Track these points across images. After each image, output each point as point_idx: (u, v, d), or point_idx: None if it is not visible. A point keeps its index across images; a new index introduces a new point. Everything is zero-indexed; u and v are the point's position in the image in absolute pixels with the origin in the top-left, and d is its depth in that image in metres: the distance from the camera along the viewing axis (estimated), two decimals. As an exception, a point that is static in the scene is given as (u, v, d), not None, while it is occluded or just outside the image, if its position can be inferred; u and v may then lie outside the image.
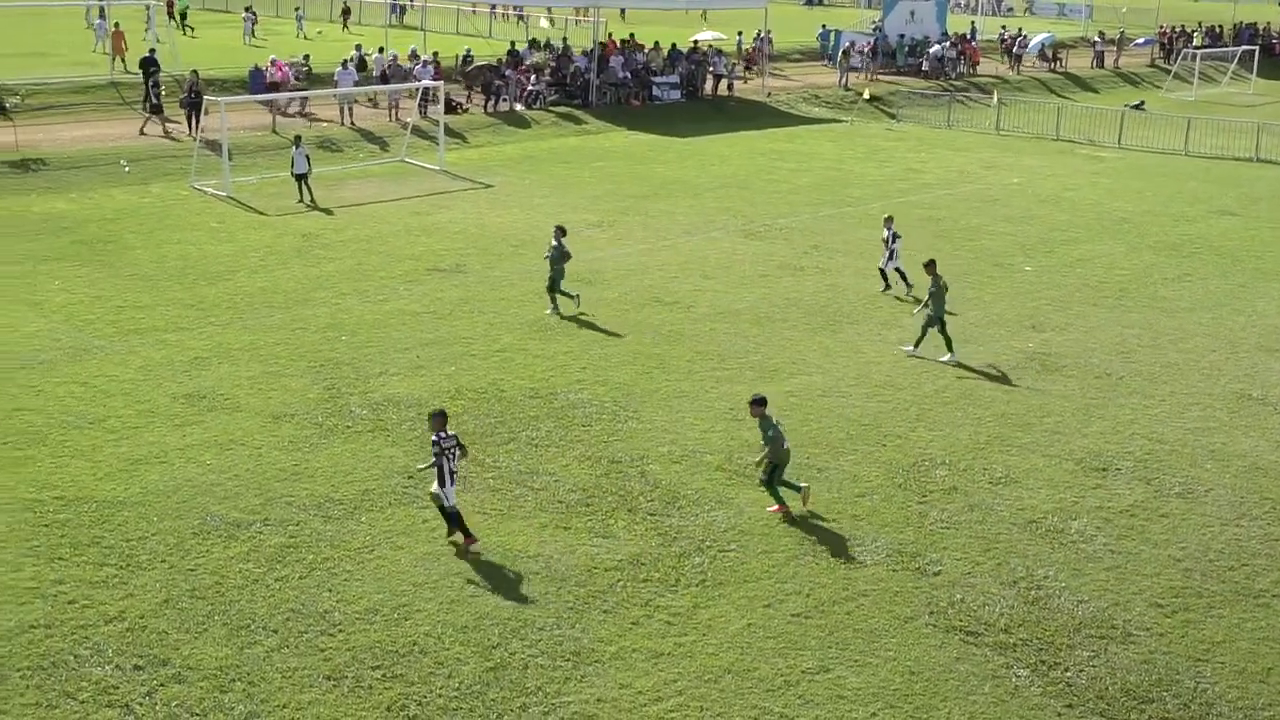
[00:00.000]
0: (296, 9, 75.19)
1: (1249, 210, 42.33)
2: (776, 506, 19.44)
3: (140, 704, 14.39)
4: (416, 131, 47.60)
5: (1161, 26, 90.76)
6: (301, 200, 37.61)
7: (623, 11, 60.74)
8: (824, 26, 78.96)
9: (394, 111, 51.08)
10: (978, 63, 74.62)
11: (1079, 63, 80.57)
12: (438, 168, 43.74)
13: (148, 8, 53.78)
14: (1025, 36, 79.59)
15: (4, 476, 19.61)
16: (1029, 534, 19.10)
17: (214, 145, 41.23)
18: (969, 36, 77.48)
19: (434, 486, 18.03)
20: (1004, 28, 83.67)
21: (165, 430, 21.47)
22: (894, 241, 30.46)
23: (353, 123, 49.06)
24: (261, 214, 36.46)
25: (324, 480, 19.88)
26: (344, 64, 51.39)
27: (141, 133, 44.49)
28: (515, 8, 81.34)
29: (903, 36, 73.50)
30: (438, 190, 40.72)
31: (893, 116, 61.30)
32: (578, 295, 28.41)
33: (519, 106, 54.47)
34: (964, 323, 28.55)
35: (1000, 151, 52.72)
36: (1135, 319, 29.48)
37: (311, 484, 19.76)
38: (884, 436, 22.38)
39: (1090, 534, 19.14)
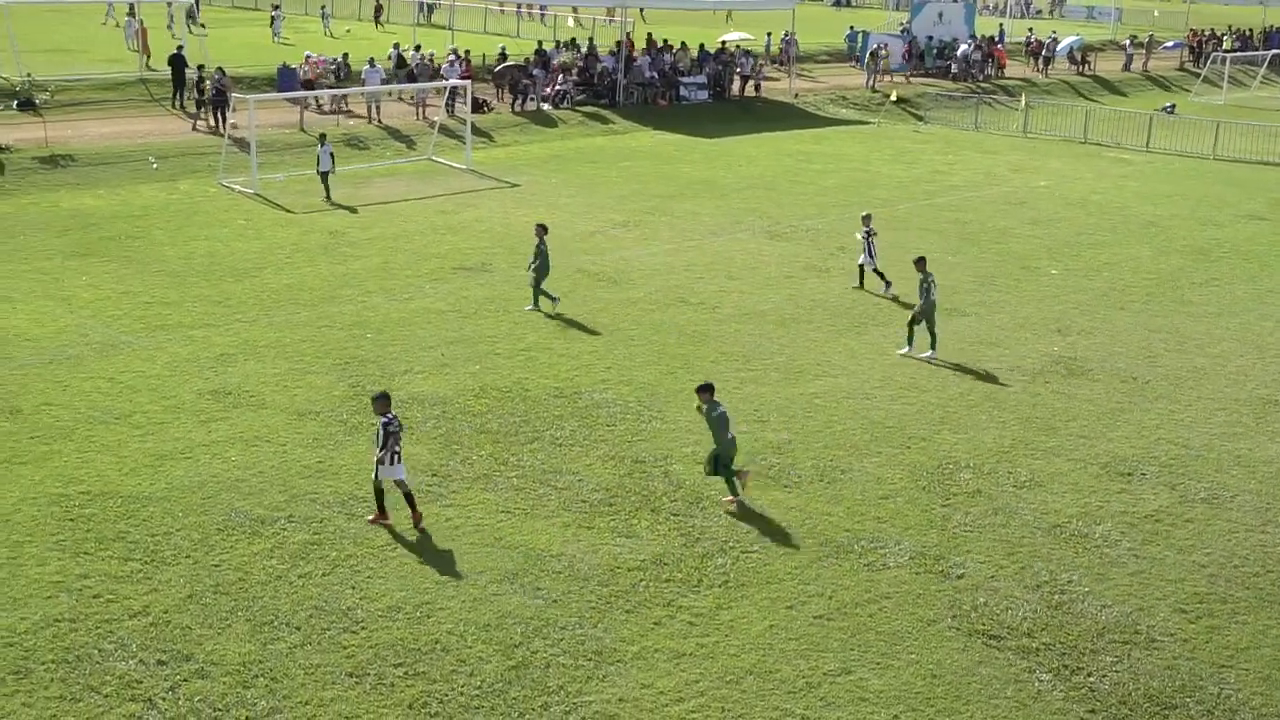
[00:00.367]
0: (322, 7, 75.42)
1: (1277, 215, 42.09)
2: (730, 498, 19.59)
3: (163, 699, 14.45)
4: (444, 130, 47.70)
5: (1191, 30, 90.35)
6: (327, 198, 37.68)
7: (641, 11, 60.83)
8: (851, 28, 78.83)
9: (421, 110, 51.18)
10: (1004, 65, 74.37)
11: (1107, 66, 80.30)
12: (465, 166, 43.81)
13: (169, 4, 54.14)
14: (1055, 38, 79.33)
15: (31, 471, 19.72)
16: (1053, 538, 19.03)
17: (242, 142, 41.41)
18: (996, 39, 77.24)
19: (378, 472, 18.30)
20: (1030, 30, 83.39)
21: (191, 426, 21.55)
22: (871, 239, 30.39)
23: (380, 121, 49.22)
24: (289, 211, 36.57)
25: (348, 477, 19.92)
26: (370, 62, 51.52)
27: (194, 129, 44.85)
28: (540, 7, 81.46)
29: (931, 38, 73.31)
30: (464, 189, 40.78)
31: (920, 118, 61.16)
32: (556, 299, 28.34)
33: (546, 106, 54.53)
34: (990, 326, 28.49)
35: (1028, 154, 52.56)
36: (1162, 323, 29.35)
37: (336, 481, 19.82)
38: (908, 439, 22.34)
39: (1115, 539, 19.07)
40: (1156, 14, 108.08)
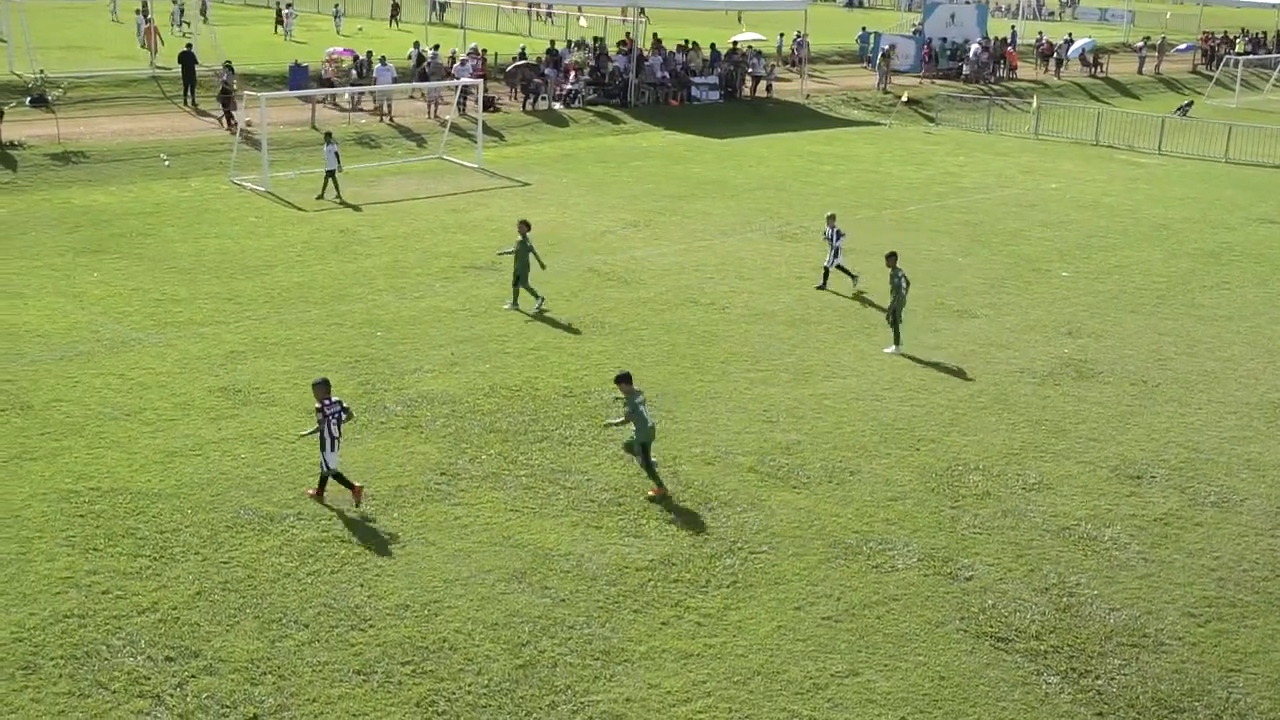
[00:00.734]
0: (336, 5, 75.57)
1: (1290, 218, 42.06)
2: (655, 489, 19.81)
3: (171, 695, 14.47)
4: (455, 129, 47.72)
5: (1205, 33, 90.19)
6: (338, 196, 37.73)
7: (641, 10, 60.95)
8: (864, 29, 78.79)
9: (433, 108, 51.23)
10: (1016, 67, 74.29)
11: (1119, 68, 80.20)
12: (476, 165, 43.85)
13: (175, 1, 54.35)
14: (1069, 40, 79.22)
15: (41, 467, 19.76)
16: (1062, 541, 19.01)
17: (254, 140, 41.46)
18: (1009, 41, 77.14)
19: (326, 456, 18.76)
20: (1041, 33, 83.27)
21: (201, 423, 21.59)
22: (837, 239, 30.42)
23: (391, 119, 49.28)
24: (300, 209, 36.62)
25: (357, 475, 19.92)
26: (382, 60, 51.62)
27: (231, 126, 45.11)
28: (548, 6, 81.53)
29: (945, 40, 73.24)
30: (475, 188, 40.81)
31: (931, 120, 61.11)
32: (542, 298, 28.30)
33: (558, 105, 54.56)
34: (1000, 328, 28.46)
35: (1039, 156, 52.50)
36: (1172, 326, 29.30)
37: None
38: (917, 440, 22.32)
39: (1124, 542, 19.04)
40: (1169, 16, 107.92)
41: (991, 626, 16.68)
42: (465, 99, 50.14)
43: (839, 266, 30.73)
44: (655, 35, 62.33)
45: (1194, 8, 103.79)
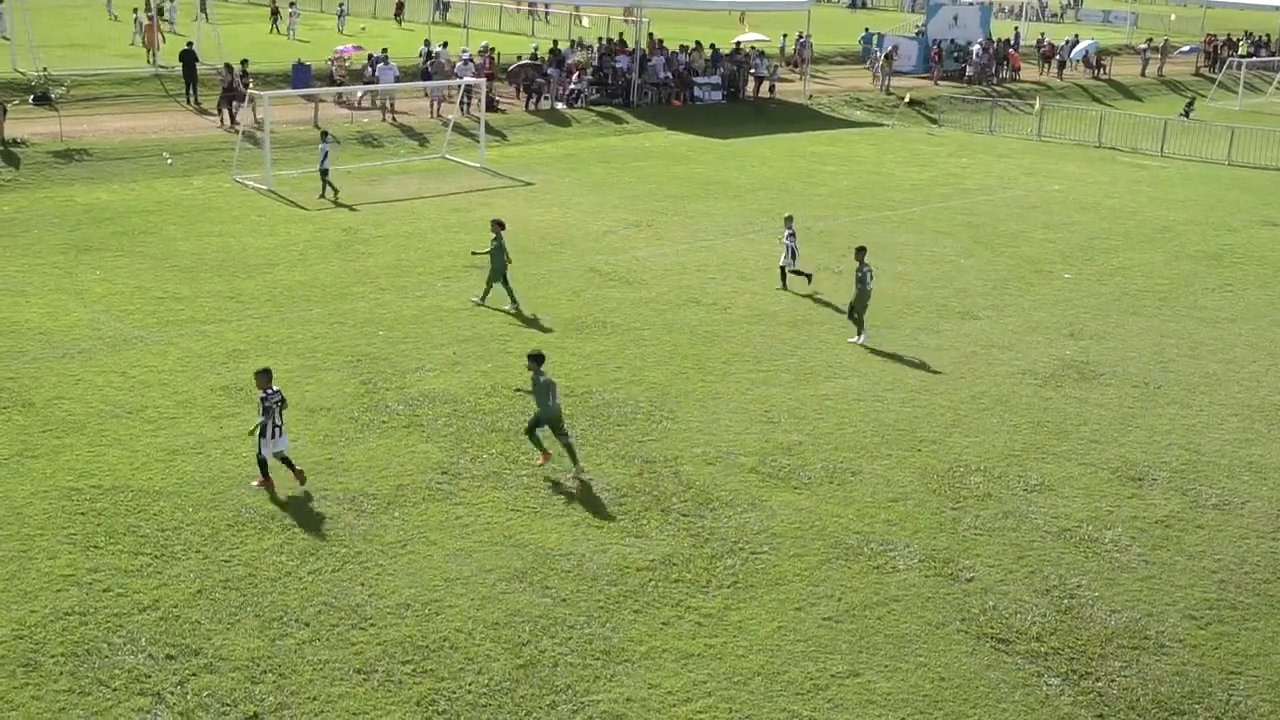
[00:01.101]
0: (340, 5, 75.60)
1: (1292, 221, 42.05)
2: (540, 458, 20.39)
3: (172, 693, 14.48)
4: (457, 129, 47.71)
5: (1209, 35, 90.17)
6: (324, 195, 37.67)
7: (627, 10, 61.06)
8: (867, 30, 78.80)
9: (435, 107, 51.25)
10: (1018, 68, 74.28)
11: (1122, 70, 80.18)
12: (478, 165, 43.85)
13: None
14: (1073, 40, 79.17)
15: (42, 464, 19.77)
16: (1063, 542, 19.00)
17: (257, 139, 41.47)
18: (1012, 43, 77.13)
19: (260, 446, 19.09)
20: (1043, 34, 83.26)
21: (202, 421, 21.59)
22: (792, 241, 30.35)
23: (394, 118, 49.30)
24: (302, 208, 36.63)
25: (358, 474, 19.95)
26: (384, 59, 51.64)
27: (231, 126, 45.15)
28: (546, 6, 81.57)
29: (952, 41, 73.20)
30: (478, 187, 40.82)
31: (934, 121, 61.10)
32: (487, 293, 28.38)
33: (560, 105, 54.57)
34: (1002, 329, 28.45)
35: (1041, 158, 52.49)
36: (1174, 328, 29.29)
37: (346, 478, 19.85)
38: (919, 441, 22.32)
39: (1125, 544, 19.03)
40: (1172, 18, 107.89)
41: (992, 628, 16.68)
42: (469, 98, 50.13)
43: (795, 270, 30.61)
44: (651, 35, 62.28)
45: (1197, 10, 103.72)
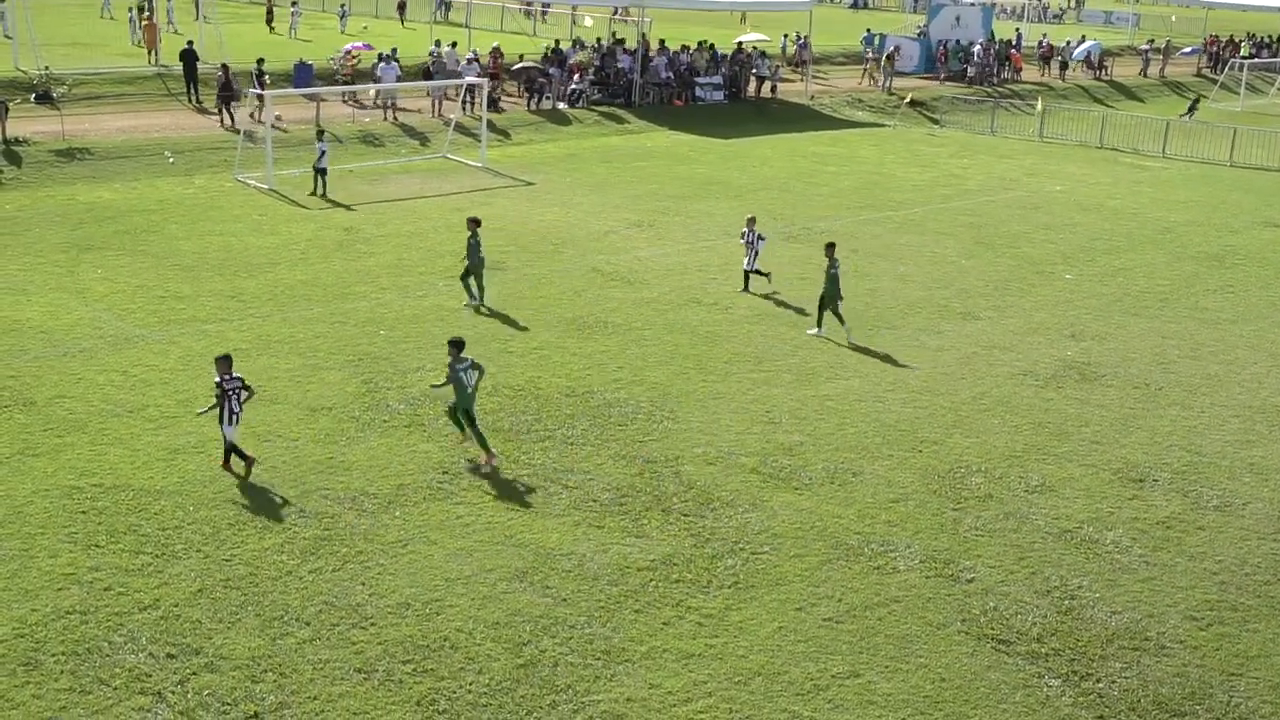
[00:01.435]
0: (342, 5, 75.59)
1: (1294, 222, 42.04)
2: (460, 437, 20.92)
3: (172, 692, 14.48)
4: (459, 128, 47.73)
5: (1210, 36, 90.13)
6: (314, 192, 37.70)
7: (615, 10, 61.08)
8: (869, 30, 78.79)
9: (437, 106, 51.27)
10: (1020, 69, 74.27)
11: (1124, 71, 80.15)
12: (480, 164, 43.86)
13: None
14: (1078, 41, 79.13)
15: (44, 463, 19.78)
16: (1064, 543, 19.00)
17: (255, 138, 41.46)
18: (1014, 43, 77.11)
19: (223, 427, 19.58)
20: (1044, 35, 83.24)
21: (203, 420, 21.55)
22: (757, 243, 30.11)
23: (395, 118, 49.31)
24: (304, 207, 36.65)
25: (359, 474, 19.96)
26: (385, 59, 51.67)
27: (232, 125, 45.16)
28: (543, 6, 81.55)
29: (957, 42, 73.18)
30: (479, 187, 40.82)
31: (936, 122, 61.09)
32: (481, 303, 28.37)
33: (562, 105, 54.57)
34: (1003, 330, 28.45)
35: (1043, 159, 52.48)
36: (1176, 329, 29.28)
37: (347, 477, 19.85)
38: (920, 442, 22.31)
39: (1126, 545, 19.03)
40: (1174, 19, 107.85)
41: (993, 629, 16.68)
42: (471, 98, 50.15)
43: (755, 270, 30.39)
44: (644, 36, 62.23)
45: (1199, 11, 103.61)
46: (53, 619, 15.73)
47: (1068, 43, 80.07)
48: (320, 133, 39.43)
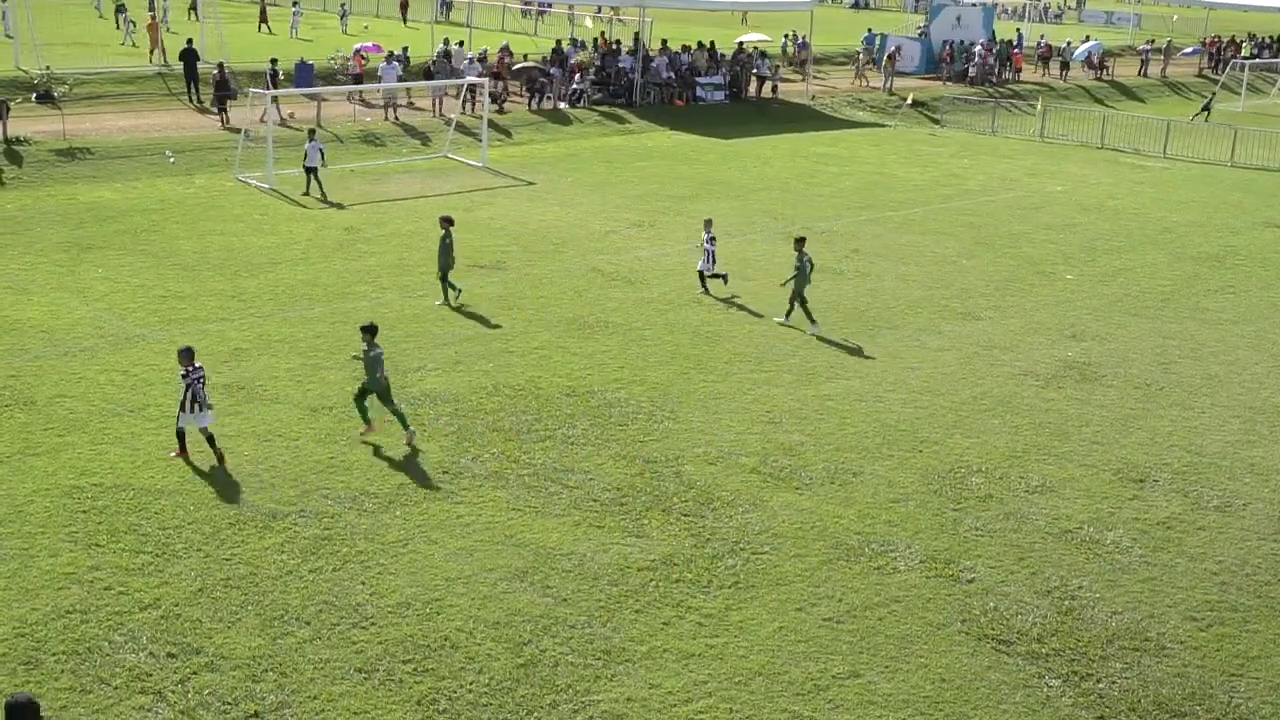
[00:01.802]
0: (342, 4, 75.60)
1: (1295, 223, 42.04)
2: (365, 428, 21.23)
3: (173, 691, 14.49)
4: (460, 128, 47.74)
5: (1212, 36, 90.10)
6: (307, 193, 37.70)
7: (610, 9, 61.22)
8: (870, 30, 78.78)
9: (438, 106, 51.29)
10: (1020, 69, 74.26)
11: (1125, 71, 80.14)
12: (480, 164, 43.86)
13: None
14: (1073, 42, 79.11)
15: (44, 462, 19.78)
16: (1064, 544, 19.00)
17: (252, 136, 41.49)
18: (1014, 44, 77.11)
19: (179, 419, 19.94)
20: (1042, 36, 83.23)
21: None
22: (711, 245, 29.77)
23: (396, 118, 49.33)
24: (304, 207, 36.65)
25: (360, 474, 19.96)
26: (388, 59, 51.70)
27: (226, 124, 45.22)
28: (541, 5, 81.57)
29: (961, 42, 73.13)
30: (480, 187, 40.83)
31: (936, 122, 61.09)
32: (460, 290, 28.46)
33: (563, 105, 54.58)
34: (1004, 330, 28.45)
35: (1044, 159, 52.48)
36: (1176, 329, 29.28)
37: (348, 477, 19.86)
38: (920, 442, 22.31)
39: (1126, 545, 19.03)
40: (1175, 19, 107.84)
41: (993, 629, 16.68)
42: (472, 97, 50.15)
43: (713, 274, 30.03)
44: (636, 35, 62.26)
45: (1200, 11, 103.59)
46: (53, 618, 15.73)
47: (1068, 43, 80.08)
48: (311, 132, 39.41)
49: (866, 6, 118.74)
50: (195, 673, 14.84)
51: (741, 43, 65.35)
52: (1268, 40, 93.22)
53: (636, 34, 62.28)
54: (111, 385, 22.90)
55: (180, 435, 20.06)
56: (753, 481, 20.45)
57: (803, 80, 66.43)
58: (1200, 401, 24.96)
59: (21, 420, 21.25)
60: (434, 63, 52.89)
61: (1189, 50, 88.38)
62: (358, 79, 51.45)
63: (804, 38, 68.45)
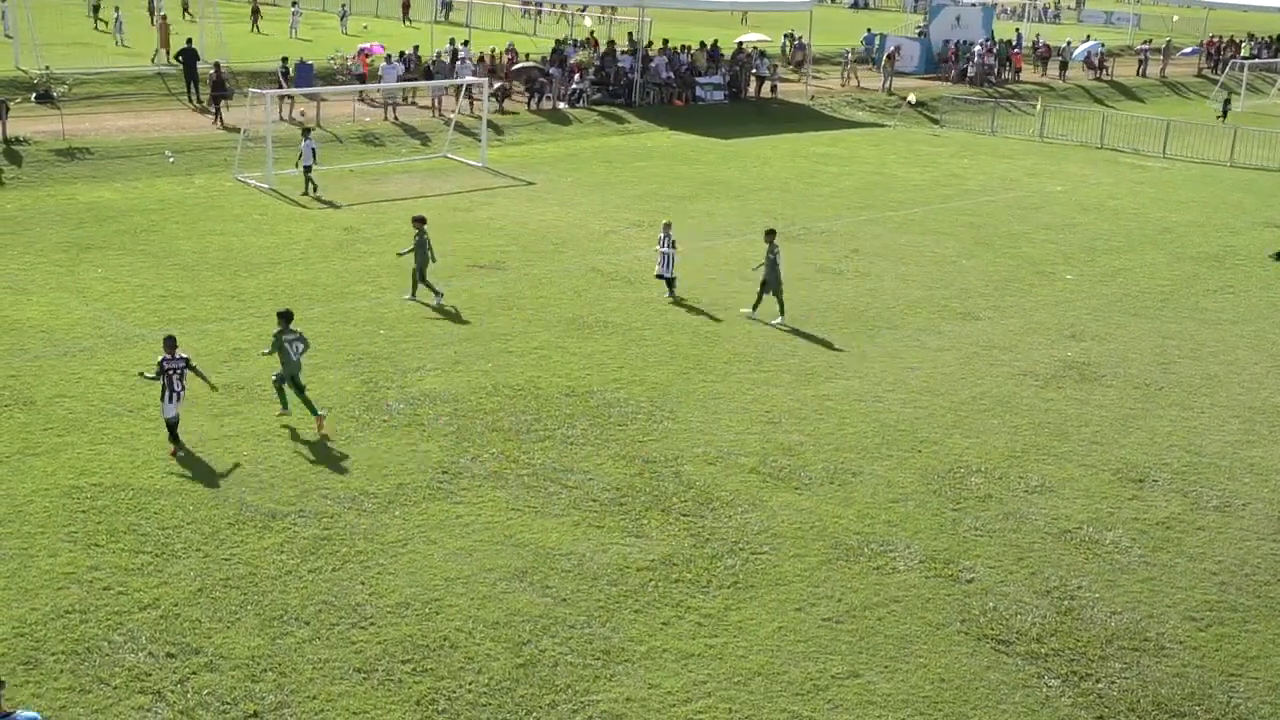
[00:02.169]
0: (343, 5, 75.61)
1: (1294, 223, 42.03)
2: (281, 410, 21.79)
3: (172, 691, 14.49)
4: (459, 128, 47.73)
5: (1211, 36, 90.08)
6: (306, 192, 37.72)
7: (604, 9, 61.33)
8: (869, 30, 78.79)
9: (438, 105, 51.30)
10: (1020, 69, 74.25)
11: (1125, 71, 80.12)
12: (480, 164, 43.86)
13: None
14: (1073, 42, 79.11)
15: (43, 462, 19.78)
16: (1063, 544, 19.00)
17: (252, 136, 41.50)
18: (1014, 44, 77.11)
19: (163, 409, 20.34)
20: (1038, 36, 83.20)
21: (203, 420, 21.59)
22: (671, 248, 29.22)
23: (396, 118, 49.32)
24: (304, 207, 36.66)
25: (359, 473, 19.97)
26: (388, 58, 51.72)
27: (219, 123, 45.25)
28: (536, 4, 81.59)
29: (949, 42, 73.16)
30: (479, 187, 40.83)
31: (936, 122, 61.09)
32: (441, 294, 28.29)
33: (562, 105, 54.57)
34: (1003, 330, 28.45)
35: (1043, 159, 52.48)
36: (1176, 329, 29.28)
37: (347, 477, 19.85)
38: (919, 442, 22.31)
39: (1125, 545, 19.03)
40: (1175, 20, 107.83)
41: (992, 629, 16.68)
42: (470, 98, 50.15)
43: (664, 277, 29.55)
44: (631, 34, 62.26)
45: (1200, 11, 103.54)
46: (52, 618, 15.73)
47: (1068, 42, 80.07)
48: (306, 131, 39.42)
49: (866, 6, 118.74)
50: (194, 672, 14.84)
51: (741, 43, 65.35)
52: (1267, 40, 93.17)
53: (630, 33, 62.27)
54: (111, 385, 22.90)
55: (171, 425, 20.44)
56: (752, 481, 20.45)
57: (800, 80, 66.40)
58: (1200, 401, 24.96)
59: (21, 420, 21.25)
60: (433, 63, 52.89)
61: (1188, 50, 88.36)
62: (362, 79, 51.47)
63: (800, 38, 68.38)
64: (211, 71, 46.45)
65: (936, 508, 19.94)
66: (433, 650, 15.55)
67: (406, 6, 78.55)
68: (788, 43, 73.75)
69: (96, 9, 63.85)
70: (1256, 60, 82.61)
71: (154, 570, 16.94)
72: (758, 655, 15.87)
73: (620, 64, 58.32)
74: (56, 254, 30.61)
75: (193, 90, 48.93)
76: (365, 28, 71.76)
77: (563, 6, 76.26)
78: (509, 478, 20.09)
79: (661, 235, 29.44)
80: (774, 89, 62.50)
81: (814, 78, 66.99)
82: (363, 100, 51.06)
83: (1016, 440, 22.62)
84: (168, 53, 53.15)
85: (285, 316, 21.54)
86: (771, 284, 27.81)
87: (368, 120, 48.62)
